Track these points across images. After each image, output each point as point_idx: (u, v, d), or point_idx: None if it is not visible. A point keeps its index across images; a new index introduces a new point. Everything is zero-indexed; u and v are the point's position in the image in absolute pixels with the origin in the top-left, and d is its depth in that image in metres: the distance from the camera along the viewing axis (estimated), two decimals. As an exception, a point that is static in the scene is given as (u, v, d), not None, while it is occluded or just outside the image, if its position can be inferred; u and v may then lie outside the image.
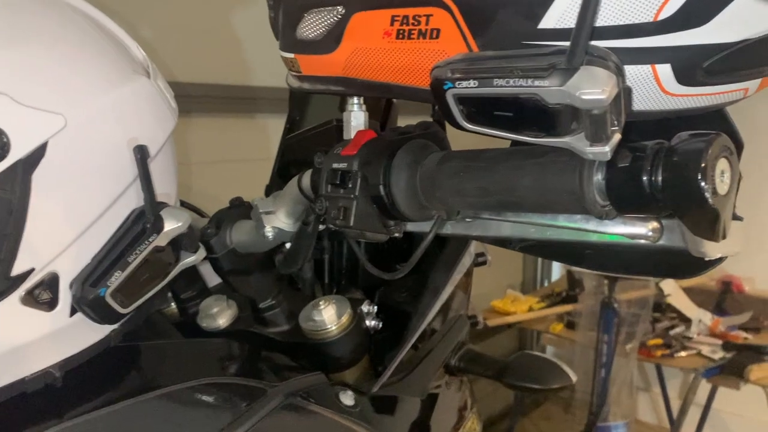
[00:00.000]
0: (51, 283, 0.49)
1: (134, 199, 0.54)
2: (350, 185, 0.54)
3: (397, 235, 0.58)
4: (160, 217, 0.53)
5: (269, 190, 0.94)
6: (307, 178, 0.63)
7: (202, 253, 0.58)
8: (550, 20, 0.40)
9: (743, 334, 2.46)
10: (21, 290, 0.47)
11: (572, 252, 0.59)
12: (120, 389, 0.56)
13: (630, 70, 0.40)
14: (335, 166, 0.55)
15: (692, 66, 0.40)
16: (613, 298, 2.41)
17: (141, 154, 0.52)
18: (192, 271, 0.82)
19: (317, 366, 0.70)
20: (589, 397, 2.51)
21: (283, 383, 0.63)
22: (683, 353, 2.41)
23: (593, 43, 0.39)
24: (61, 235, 0.49)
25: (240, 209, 0.74)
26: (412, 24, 0.45)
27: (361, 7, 0.48)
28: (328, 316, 0.72)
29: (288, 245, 0.72)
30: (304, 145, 0.87)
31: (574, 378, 0.85)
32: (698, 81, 0.40)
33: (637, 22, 0.39)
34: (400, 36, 0.46)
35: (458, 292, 0.95)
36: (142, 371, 0.61)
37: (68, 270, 0.50)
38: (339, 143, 0.58)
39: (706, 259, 0.45)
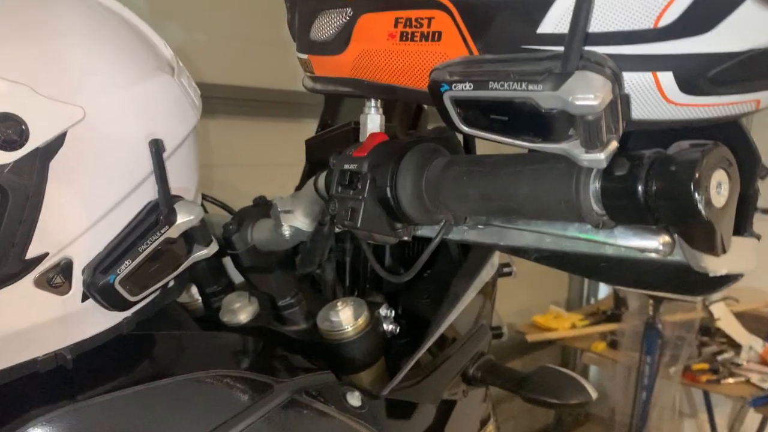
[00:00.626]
0: (65, 268, 0.51)
1: (150, 191, 0.55)
2: (359, 186, 0.55)
3: (405, 238, 0.58)
4: (174, 210, 0.55)
5: (297, 192, 0.95)
6: (322, 178, 0.64)
7: (214, 247, 0.60)
8: (548, 25, 0.40)
9: (796, 364, 2.35)
10: (35, 273, 0.49)
11: (586, 264, 0.58)
12: (131, 375, 0.58)
13: (630, 77, 0.39)
14: (346, 167, 0.56)
15: (696, 75, 0.39)
16: (658, 319, 2.34)
17: (156, 148, 0.53)
18: (218, 267, 0.84)
19: (332, 366, 0.70)
20: (629, 419, 2.44)
21: (291, 380, 0.64)
22: (731, 380, 2.32)
23: (593, 48, 0.39)
24: (76, 222, 0.51)
25: (262, 208, 0.76)
26: (415, 26, 0.45)
27: (367, 8, 0.49)
28: (345, 317, 0.73)
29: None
30: (324, 146, 0.88)
31: (594, 395, 0.83)
32: (703, 90, 0.39)
33: (637, 28, 0.38)
34: (404, 38, 0.47)
35: (481, 302, 0.94)
36: (154, 359, 0.62)
37: (82, 256, 0.52)
38: (352, 145, 0.58)
39: (710, 275, 0.44)
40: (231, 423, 0.57)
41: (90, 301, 0.53)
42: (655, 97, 0.40)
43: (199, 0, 1.67)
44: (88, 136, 0.50)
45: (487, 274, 0.88)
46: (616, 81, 0.38)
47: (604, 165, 0.39)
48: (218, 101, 1.62)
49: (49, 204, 0.48)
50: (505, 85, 0.39)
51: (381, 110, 0.62)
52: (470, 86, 0.41)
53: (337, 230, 0.67)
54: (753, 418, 2.31)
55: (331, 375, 0.68)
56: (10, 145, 0.45)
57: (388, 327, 0.75)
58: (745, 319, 2.56)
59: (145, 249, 0.53)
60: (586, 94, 0.36)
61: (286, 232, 0.69)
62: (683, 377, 2.38)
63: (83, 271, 0.52)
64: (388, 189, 0.54)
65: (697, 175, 0.36)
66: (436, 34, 0.44)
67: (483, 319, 0.94)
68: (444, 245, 0.91)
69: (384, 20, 0.48)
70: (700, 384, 2.37)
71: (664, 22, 0.37)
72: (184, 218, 0.55)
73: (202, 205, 0.65)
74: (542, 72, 0.38)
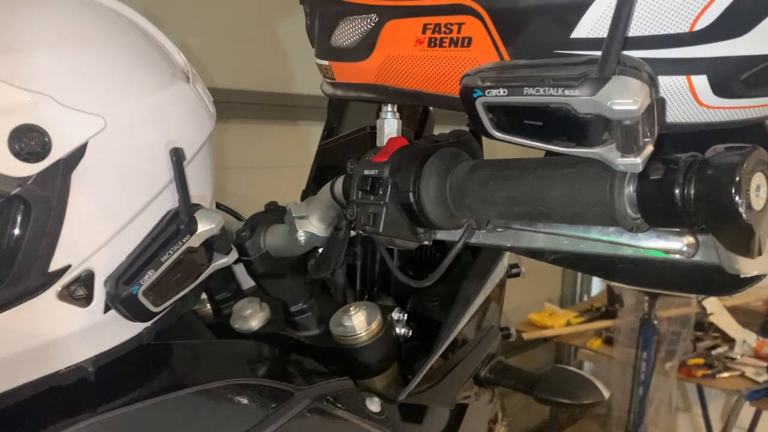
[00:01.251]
0: (86, 279, 0.50)
1: (170, 200, 0.55)
2: (380, 192, 0.54)
3: (426, 243, 0.58)
4: (194, 219, 0.54)
5: (305, 196, 0.95)
6: (339, 184, 0.63)
7: (234, 255, 0.59)
8: (582, 29, 0.40)
9: (790, 357, 2.38)
10: (57, 286, 0.48)
11: (605, 266, 0.58)
12: (151, 386, 0.57)
13: (665, 81, 0.39)
14: (366, 172, 0.56)
15: (729, 78, 0.39)
16: (654, 315, 2.36)
17: (177, 156, 0.53)
18: (227, 273, 0.83)
19: (346, 372, 0.70)
20: (626, 415, 2.45)
21: (310, 387, 0.63)
22: (726, 374, 2.34)
23: (627, 53, 0.39)
24: (98, 233, 0.50)
25: (274, 213, 0.75)
26: (444, 32, 0.45)
27: (394, 15, 0.48)
28: (358, 322, 0.72)
29: (320, 250, 0.73)
30: (338, 151, 0.88)
31: (606, 394, 0.83)
32: (736, 93, 0.39)
33: (672, 32, 0.38)
34: (432, 44, 0.46)
35: (491, 304, 0.94)
36: (173, 370, 0.62)
37: (104, 267, 0.51)
38: (371, 150, 0.58)
39: (741, 276, 0.44)
40: (253, 432, 0.56)
41: (111, 313, 0.53)
42: (689, 101, 0.40)
43: (202, 3, 1.67)
44: (109, 146, 0.50)
45: (497, 275, 0.88)
46: (653, 85, 0.38)
47: (640, 169, 0.39)
48: (227, 105, 1.61)
49: (71, 215, 0.48)
50: (541, 90, 0.39)
51: (398, 114, 0.62)
52: (504, 92, 0.40)
53: (352, 234, 0.66)
54: (747, 411, 2.33)
55: (349, 381, 0.68)
56: (34, 157, 0.45)
57: (400, 331, 0.75)
58: (738, 313, 2.58)
59: (167, 259, 0.53)
60: (625, 98, 0.36)
61: (301, 237, 0.69)
62: (679, 372, 2.40)
63: (105, 282, 0.51)
64: (411, 194, 0.53)
65: (737, 178, 0.36)
66: (466, 39, 0.44)
67: (492, 320, 0.94)
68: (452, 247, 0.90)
69: (412, 26, 0.47)
70: (695, 379, 2.39)
71: (699, 25, 0.37)
72: (205, 227, 0.54)
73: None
74: (578, 77, 0.38)
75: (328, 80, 0.57)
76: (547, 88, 0.39)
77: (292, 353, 0.71)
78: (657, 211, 0.40)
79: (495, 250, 0.88)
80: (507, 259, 0.91)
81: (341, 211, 0.65)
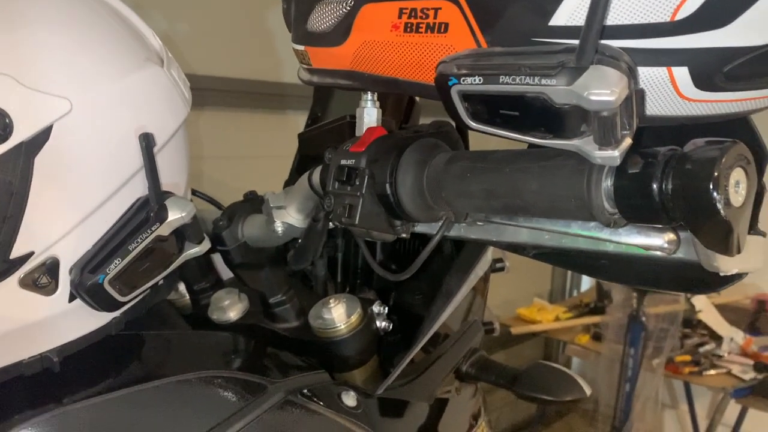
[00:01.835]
0: (51, 267, 0.49)
1: (140, 187, 0.53)
2: (357, 183, 0.53)
3: (404, 235, 0.57)
4: (164, 207, 0.53)
5: (287, 186, 0.93)
6: (317, 174, 0.62)
7: (206, 244, 0.58)
8: (561, 17, 0.38)
9: (777, 355, 2.38)
10: (20, 273, 0.47)
11: (587, 261, 0.57)
12: (120, 377, 0.56)
13: (644, 72, 0.38)
14: (343, 162, 0.54)
15: (711, 70, 0.38)
16: (642, 311, 2.36)
17: (147, 142, 0.51)
18: (206, 263, 0.82)
19: (325, 365, 0.69)
20: (612, 411, 2.46)
21: (284, 380, 0.62)
22: (712, 371, 2.34)
23: (606, 42, 0.38)
24: (63, 220, 0.49)
25: (253, 203, 0.74)
26: (420, 17, 0.44)
27: (369, -2, 0.47)
28: (338, 315, 0.71)
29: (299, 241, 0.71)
30: (319, 140, 0.86)
31: (588, 391, 0.82)
32: (718, 86, 0.38)
33: (653, 21, 0.37)
34: (408, 29, 0.45)
35: (474, 298, 0.93)
36: (143, 361, 0.61)
37: (69, 255, 0.50)
38: (349, 140, 0.57)
39: (721, 274, 0.43)
40: (223, 426, 0.55)
41: (77, 302, 0.51)
42: (669, 93, 0.39)
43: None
44: (75, 130, 0.48)
45: (480, 269, 0.87)
46: (632, 76, 0.37)
47: (618, 162, 0.38)
48: (205, 92, 1.59)
49: (34, 201, 0.46)
50: (517, 79, 0.38)
51: (377, 103, 0.60)
52: (480, 80, 0.39)
53: (331, 227, 0.65)
54: (733, 408, 2.34)
55: (325, 374, 0.66)
56: None
57: (381, 324, 0.74)
58: (726, 311, 2.59)
59: (135, 247, 0.51)
60: (602, 89, 0.35)
61: (279, 228, 0.68)
62: (666, 369, 2.40)
63: (70, 270, 0.50)
64: (387, 185, 0.52)
65: (716, 174, 0.35)
66: (443, 25, 0.43)
67: (475, 314, 0.93)
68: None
69: (387, 10, 0.46)
70: (682, 376, 2.40)
71: (681, 15, 0.36)
72: (176, 215, 0.53)
73: (191, 200, 0.63)
74: (555, 66, 0.37)
75: (305, 66, 0.56)
76: (523, 77, 0.37)
77: (267, 346, 0.70)
78: (634, 207, 0.39)
79: (479, 244, 0.87)
80: (491, 253, 0.90)
81: (319, 201, 0.64)
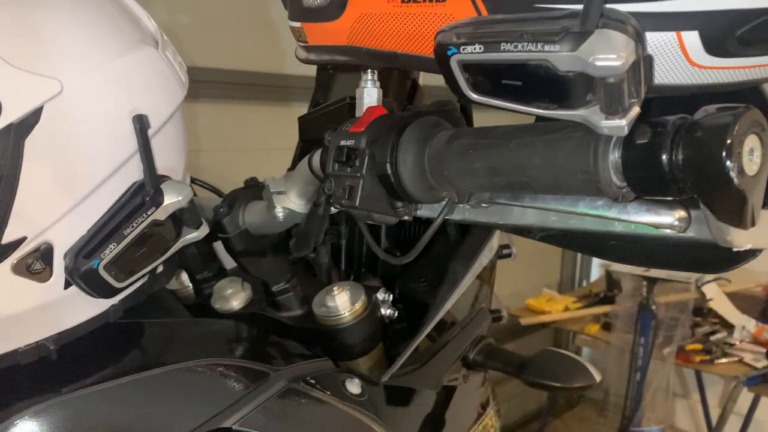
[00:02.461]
0: (45, 253, 0.48)
1: (136, 172, 0.52)
2: (357, 163, 0.52)
3: (406, 218, 0.55)
4: (160, 191, 0.52)
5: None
6: (317, 157, 0.61)
7: (204, 229, 0.57)
8: (564, -20, 0.37)
9: (789, 343, 2.36)
10: (12, 259, 0.46)
11: (595, 243, 0.55)
12: (120, 365, 0.55)
13: (653, 37, 0.37)
14: (342, 143, 0.53)
15: (723, 34, 0.36)
16: (652, 300, 2.34)
17: (140, 124, 0.50)
18: (209, 252, 0.81)
19: (329, 353, 0.68)
20: (623, 401, 2.44)
21: (287, 368, 0.61)
22: (724, 360, 2.32)
23: (612, 6, 0.36)
24: (56, 204, 0.47)
25: (254, 190, 0.73)
26: (418, -15, 0.42)
27: (365, -32, 0.46)
28: (342, 302, 0.70)
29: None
30: (318, 124, 0.85)
31: (598, 377, 0.81)
32: (730, 52, 0.37)
33: None
34: None
35: (480, 285, 0.92)
36: (144, 348, 0.60)
37: (63, 241, 0.49)
38: (349, 120, 0.55)
39: (734, 249, 0.41)
40: (226, 413, 0.55)
41: (73, 289, 0.50)
42: (679, 60, 0.37)
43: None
44: (67, 112, 0.47)
45: (486, 256, 0.85)
46: (639, 41, 0.35)
47: (626, 132, 0.36)
48: (206, 85, 1.58)
49: (25, 185, 0.45)
50: (519, 46, 0.36)
51: (378, 83, 0.59)
52: (480, 48, 0.37)
53: (333, 211, 0.64)
54: (745, 397, 2.31)
55: (328, 362, 0.65)
56: None
57: (386, 312, 0.73)
58: (737, 299, 2.56)
59: (130, 232, 0.50)
60: (608, 53, 0.33)
61: (280, 214, 0.66)
62: (677, 358, 2.38)
63: (65, 256, 0.49)
64: (388, 165, 0.51)
65: (728, 141, 0.34)
66: (442, -7, 0.41)
67: (482, 302, 0.92)
68: (442, 227, 0.88)
69: (385, -19, 0.44)
70: (693, 364, 2.37)
71: (690, -25, 0.34)
72: (172, 199, 0.52)
73: (191, 187, 0.62)
74: (559, 31, 0.35)
75: (302, 44, 0.54)
76: (525, 44, 0.36)
77: (270, 334, 0.69)
78: (643, 179, 0.38)
79: (484, 230, 0.85)
80: (497, 239, 0.89)
81: (319, 185, 0.63)
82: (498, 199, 0.54)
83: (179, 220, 0.55)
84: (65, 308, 0.51)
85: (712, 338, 2.43)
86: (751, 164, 0.35)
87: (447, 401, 0.81)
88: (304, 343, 0.69)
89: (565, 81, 0.36)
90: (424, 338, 0.77)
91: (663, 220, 0.45)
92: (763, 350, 2.33)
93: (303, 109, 0.96)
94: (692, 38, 0.36)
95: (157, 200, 0.51)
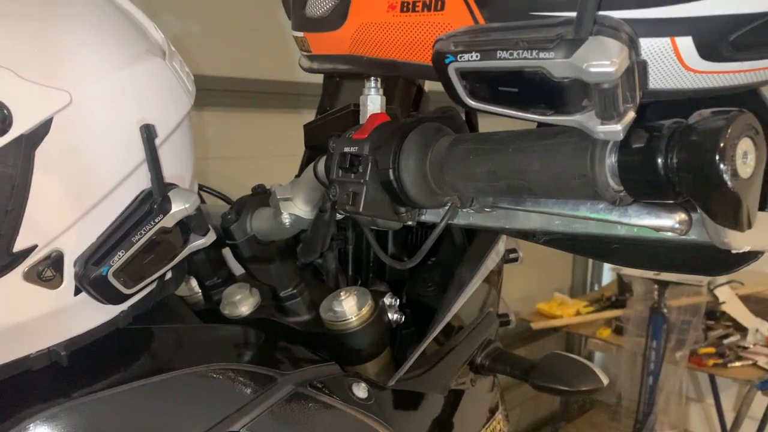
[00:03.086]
0: (55, 260, 0.49)
1: (143, 180, 0.53)
2: (360, 170, 0.53)
3: (410, 223, 0.56)
4: (168, 199, 0.52)
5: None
6: (322, 163, 0.62)
7: (212, 236, 0.58)
8: (559, -12, 0.37)
9: (804, 347, 2.34)
10: (24, 266, 0.47)
11: (598, 246, 0.56)
12: (129, 371, 0.56)
13: (647, 43, 0.37)
14: (346, 150, 0.54)
15: (717, 39, 0.36)
16: (663, 304, 2.33)
17: (148, 133, 0.51)
18: (217, 259, 0.82)
19: (337, 357, 0.69)
20: (635, 405, 2.43)
21: (294, 372, 0.62)
22: (737, 363, 2.30)
23: (606, 12, 0.37)
24: (66, 212, 0.48)
25: (261, 197, 0.74)
26: (417, -5, 0.43)
27: (365, -21, 0.46)
28: (349, 307, 0.71)
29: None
30: (323, 131, 0.86)
31: (605, 381, 0.81)
32: (724, 56, 0.37)
33: None
34: (405, 9, 0.44)
35: (487, 289, 0.92)
36: (153, 354, 0.60)
37: (73, 248, 0.50)
38: (352, 127, 0.56)
39: (732, 251, 0.42)
40: (234, 418, 0.55)
41: (83, 295, 0.51)
42: (673, 65, 0.38)
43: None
44: (76, 123, 0.48)
45: (492, 260, 0.86)
46: (633, 47, 0.36)
47: (621, 137, 0.37)
48: (214, 93, 1.60)
49: (36, 194, 0.46)
50: (515, 53, 0.37)
51: (381, 90, 0.60)
52: (477, 56, 0.38)
53: (338, 217, 0.65)
54: (759, 401, 2.29)
55: (335, 366, 0.66)
56: None
57: (393, 316, 0.73)
58: (751, 302, 2.54)
59: (139, 239, 0.51)
60: (602, 60, 0.34)
61: (286, 220, 0.67)
62: (689, 362, 2.37)
63: (75, 263, 0.50)
64: (390, 171, 0.51)
65: (722, 144, 0.34)
66: (440, 3, 0.42)
67: (489, 306, 0.92)
68: (448, 232, 0.89)
69: (384, -10, 0.45)
70: (706, 368, 2.36)
71: (683, -19, 0.35)
72: (179, 206, 0.53)
73: (199, 194, 0.63)
74: (553, 39, 0.36)
75: (305, 53, 0.55)
76: (521, 51, 0.37)
77: (278, 339, 0.69)
78: (639, 182, 0.38)
79: (490, 234, 0.86)
80: (503, 244, 0.89)
81: (325, 191, 0.64)
82: (500, 203, 0.54)
83: (187, 227, 0.55)
84: (75, 315, 0.52)
85: (726, 341, 2.41)
86: (745, 167, 0.35)
87: (455, 405, 0.81)
88: (311, 347, 0.69)
89: (560, 87, 0.37)
90: (431, 342, 0.77)
91: (664, 223, 0.45)
92: (778, 354, 2.31)
93: (310, 116, 0.97)
94: (686, 43, 0.37)
95: (164, 208, 0.52)
